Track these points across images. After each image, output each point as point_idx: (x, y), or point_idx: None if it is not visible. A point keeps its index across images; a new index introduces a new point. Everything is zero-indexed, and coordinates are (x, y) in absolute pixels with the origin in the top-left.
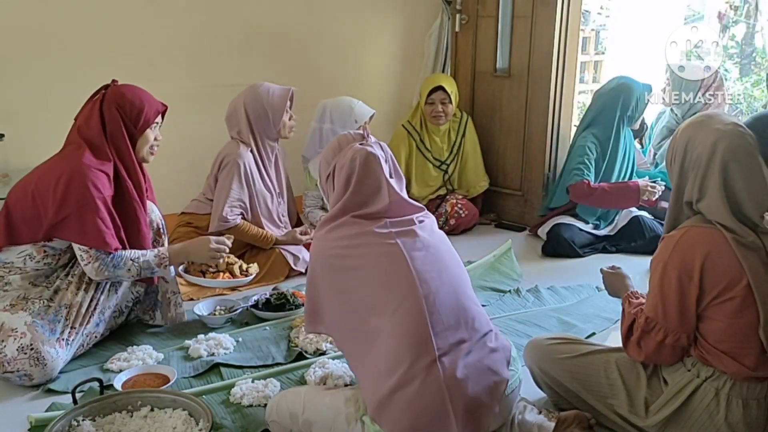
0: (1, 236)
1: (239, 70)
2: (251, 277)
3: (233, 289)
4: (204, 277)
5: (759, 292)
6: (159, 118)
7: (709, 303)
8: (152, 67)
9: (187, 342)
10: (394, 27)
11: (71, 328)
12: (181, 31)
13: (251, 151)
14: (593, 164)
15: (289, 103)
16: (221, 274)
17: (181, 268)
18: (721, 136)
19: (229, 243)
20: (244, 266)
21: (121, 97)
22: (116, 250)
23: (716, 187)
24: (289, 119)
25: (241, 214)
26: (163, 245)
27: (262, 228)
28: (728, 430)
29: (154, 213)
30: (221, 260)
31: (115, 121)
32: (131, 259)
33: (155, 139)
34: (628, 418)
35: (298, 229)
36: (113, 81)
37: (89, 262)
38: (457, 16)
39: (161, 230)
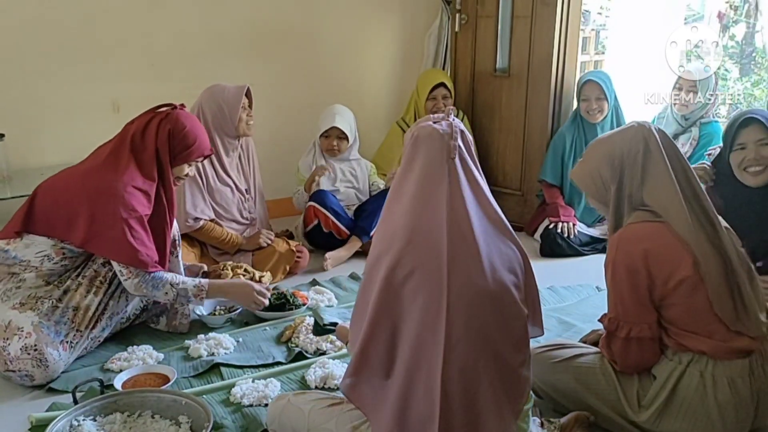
0: (19, 221)
1: (240, 71)
2: (267, 284)
3: None
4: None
5: (706, 271)
6: (200, 159)
7: (663, 289)
8: (153, 67)
9: (187, 342)
10: (394, 27)
11: (77, 331)
12: (182, 32)
13: None
14: (559, 162)
15: (246, 100)
16: None
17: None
18: (638, 128)
19: (268, 294)
20: (257, 275)
21: (180, 125)
22: (153, 268)
23: (660, 162)
24: (247, 115)
25: (205, 218)
26: (176, 256)
27: (222, 226)
28: (719, 412)
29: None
30: (261, 304)
31: (164, 143)
32: (171, 284)
33: (186, 174)
34: (627, 414)
35: (262, 235)
36: (181, 105)
37: (129, 278)
38: (457, 15)
39: (176, 242)
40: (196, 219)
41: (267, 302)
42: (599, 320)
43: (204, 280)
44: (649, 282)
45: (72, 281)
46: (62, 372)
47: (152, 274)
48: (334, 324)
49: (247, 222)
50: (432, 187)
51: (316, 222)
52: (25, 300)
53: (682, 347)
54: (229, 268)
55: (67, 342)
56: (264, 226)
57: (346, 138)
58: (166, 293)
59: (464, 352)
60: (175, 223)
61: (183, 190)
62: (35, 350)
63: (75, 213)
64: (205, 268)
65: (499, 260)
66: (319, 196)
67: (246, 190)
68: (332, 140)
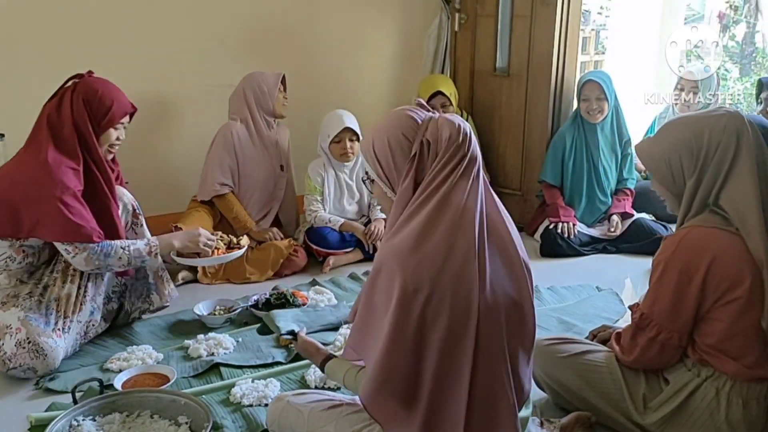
0: None
1: (239, 70)
2: (244, 249)
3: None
4: (199, 257)
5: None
6: (126, 119)
7: (713, 304)
8: (152, 67)
9: (187, 342)
10: (393, 26)
11: (64, 317)
12: (182, 31)
13: (245, 123)
14: (559, 162)
15: (281, 85)
16: (216, 251)
17: (173, 252)
18: (732, 118)
19: (217, 240)
20: (234, 240)
21: (92, 91)
22: (98, 239)
23: (748, 165)
24: (283, 98)
25: (230, 186)
26: (141, 226)
27: (244, 206)
28: (729, 429)
29: (126, 197)
30: (210, 250)
31: (82, 114)
32: (121, 247)
33: (117, 138)
34: (631, 416)
35: (271, 231)
36: (89, 72)
37: (76, 254)
38: (456, 15)
39: (137, 211)
40: (223, 184)
41: (215, 245)
42: (630, 307)
43: (153, 237)
44: (699, 294)
45: (48, 277)
46: (61, 372)
47: (100, 245)
48: (292, 332)
49: (272, 202)
50: (456, 196)
51: (321, 258)
52: (5, 299)
53: (704, 363)
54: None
55: (58, 329)
56: (292, 219)
57: (358, 138)
58: (119, 258)
59: (489, 368)
60: (129, 194)
61: (212, 156)
62: (29, 342)
63: (14, 207)
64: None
65: (522, 269)
66: (323, 240)
67: (281, 165)
68: (344, 144)
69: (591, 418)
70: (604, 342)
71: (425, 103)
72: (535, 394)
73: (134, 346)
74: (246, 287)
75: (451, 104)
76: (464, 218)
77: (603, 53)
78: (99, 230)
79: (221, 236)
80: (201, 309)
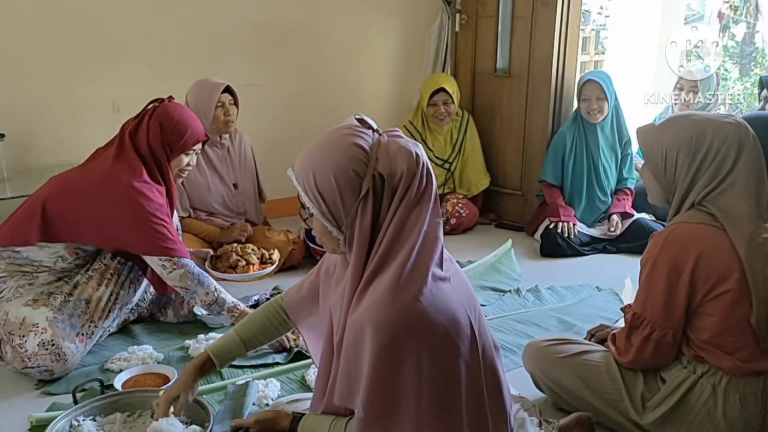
0: (35, 232)
1: (240, 71)
2: (276, 263)
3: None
4: (235, 272)
5: (754, 281)
6: (199, 146)
7: (703, 298)
8: (153, 67)
9: (187, 342)
10: (395, 27)
11: (90, 322)
12: (182, 32)
13: None
14: (559, 162)
15: (230, 97)
16: (251, 266)
17: (208, 264)
18: (738, 127)
19: (290, 340)
20: (267, 254)
21: (168, 116)
22: (189, 256)
23: (744, 176)
24: (225, 114)
25: (182, 216)
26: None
27: (203, 220)
28: (726, 426)
29: (174, 216)
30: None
31: (157, 137)
32: (215, 288)
33: (188, 164)
34: (630, 416)
35: (236, 228)
36: (169, 97)
37: (173, 270)
38: (457, 16)
39: (178, 230)
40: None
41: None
42: (622, 309)
43: (241, 305)
44: (689, 289)
45: (81, 276)
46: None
47: (199, 271)
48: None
49: (236, 216)
50: (431, 239)
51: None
52: (37, 296)
53: (700, 359)
54: (239, 249)
55: (83, 334)
56: (259, 223)
57: None
58: (207, 294)
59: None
60: (175, 212)
61: None
62: (53, 345)
63: (104, 220)
64: (212, 252)
65: None
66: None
67: (234, 184)
68: None
69: (591, 419)
70: (602, 341)
71: (366, 118)
72: (534, 394)
73: (135, 347)
74: (246, 287)
75: (453, 102)
76: (443, 257)
77: (603, 53)
78: (186, 250)
79: (253, 249)
80: (201, 309)
